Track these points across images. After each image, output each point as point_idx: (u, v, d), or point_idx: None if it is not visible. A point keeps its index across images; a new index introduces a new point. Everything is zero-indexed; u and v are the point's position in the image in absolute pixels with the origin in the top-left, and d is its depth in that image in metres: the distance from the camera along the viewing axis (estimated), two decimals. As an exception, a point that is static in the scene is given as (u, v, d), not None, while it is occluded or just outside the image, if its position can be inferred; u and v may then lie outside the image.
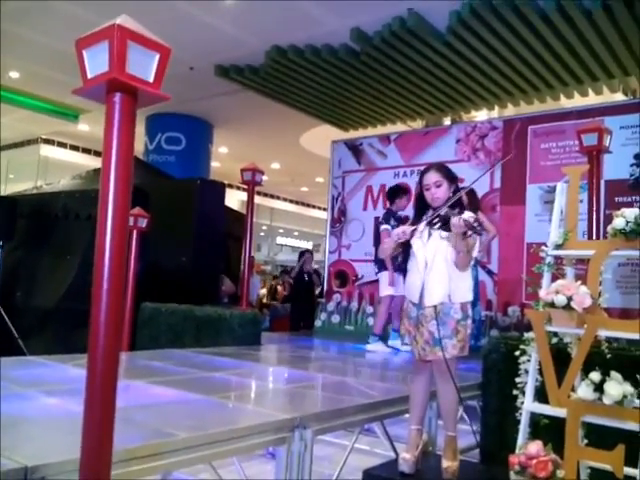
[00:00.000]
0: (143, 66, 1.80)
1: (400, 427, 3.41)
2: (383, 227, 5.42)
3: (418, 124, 8.92)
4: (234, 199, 13.12)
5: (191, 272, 6.71)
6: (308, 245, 20.30)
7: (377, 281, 5.87)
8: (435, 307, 2.64)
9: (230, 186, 12.77)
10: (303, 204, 17.71)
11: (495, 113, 8.37)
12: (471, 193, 2.83)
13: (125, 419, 2.39)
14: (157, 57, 1.84)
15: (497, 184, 6.30)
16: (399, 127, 8.64)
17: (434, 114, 8.41)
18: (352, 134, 8.83)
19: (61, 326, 6.44)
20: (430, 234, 2.70)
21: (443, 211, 2.64)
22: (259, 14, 6.29)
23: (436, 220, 2.64)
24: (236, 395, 3.19)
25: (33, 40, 7.10)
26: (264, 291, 11.28)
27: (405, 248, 2.79)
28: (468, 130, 6.68)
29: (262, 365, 4.41)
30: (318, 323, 7.10)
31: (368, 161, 7.39)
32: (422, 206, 2.85)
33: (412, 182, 6.79)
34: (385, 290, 5.58)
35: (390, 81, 7.33)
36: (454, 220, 2.47)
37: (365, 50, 6.62)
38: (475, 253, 2.71)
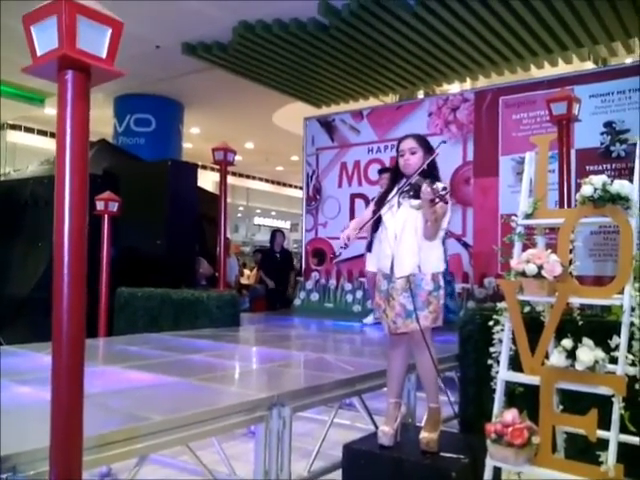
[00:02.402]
0: (95, 42, 1.73)
1: (380, 401, 3.44)
2: None
3: (392, 99, 8.87)
4: (208, 180, 12.99)
5: (166, 255, 6.63)
6: (286, 225, 20.25)
7: (355, 258, 5.88)
8: (407, 278, 2.63)
9: (204, 167, 12.64)
10: (279, 183, 17.60)
11: (467, 85, 8.35)
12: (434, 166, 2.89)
13: (100, 405, 2.36)
14: (109, 32, 1.77)
15: (470, 157, 6.31)
16: (372, 102, 8.58)
17: (407, 88, 8.35)
18: (324, 110, 8.74)
19: (35, 315, 6.34)
20: (400, 204, 2.68)
21: (414, 179, 2.62)
22: (225, -12, 6.15)
23: (407, 188, 2.62)
24: (214, 376, 3.17)
25: (-8, 21, 6.86)
26: (248, 272, 11.20)
27: (375, 222, 2.76)
28: (440, 103, 6.66)
29: (241, 346, 4.40)
30: (297, 302, 7.09)
31: (341, 137, 7.34)
32: (395, 176, 2.84)
33: (386, 157, 6.79)
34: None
35: (361, 55, 7.24)
36: (424, 187, 2.45)
37: (334, 24, 6.51)
38: (445, 224, 2.70)
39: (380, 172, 5.69)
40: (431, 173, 2.70)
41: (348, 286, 6.79)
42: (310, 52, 7.24)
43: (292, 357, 3.88)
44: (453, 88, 8.59)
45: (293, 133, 10.74)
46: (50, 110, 10.19)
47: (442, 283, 2.70)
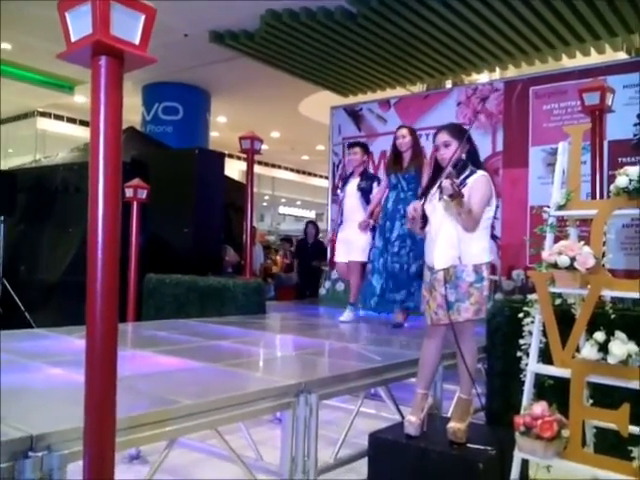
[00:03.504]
0: (128, 28, 1.74)
1: (405, 391, 3.44)
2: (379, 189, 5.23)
3: (419, 88, 8.78)
4: (234, 169, 13.04)
5: (193, 242, 6.69)
6: (311, 214, 20.25)
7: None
8: (446, 270, 2.62)
9: (230, 156, 12.66)
10: (305, 173, 17.57)
11: (496, 75, 8.23)
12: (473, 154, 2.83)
13: (130, 387, 2.40)
14: (143, 18, 1.77)
15: (499, 147, 6.22)
16: (399, 91, 8.51)
17: (435, 77, 8.27)
18: (351, 99, 8.70)
19: (65, 298, 6.46)
20: (440, 197, 2.66)
21: (446, 173, 2.60)
22: (253, -23, 6.14)
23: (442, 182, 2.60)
24: (241, 362, 3.20)
25: (24, 10, 6.95)
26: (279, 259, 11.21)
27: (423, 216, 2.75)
28: (469, 93, 6.57)
29: (267, 333, 4.42)
30: (322, 291, 7.09)
31: (368, 127, 7.28)
32: (436, 168, 2.82)
33: (413, 147, 6.72)
34: (362, 255, 5.16)
35: (389, 44, 7.19)
36: (443, 182, 2.45)
37: (362, 12, 6.47)
38: (490, 213, 2.69)
39: (349, 146, 5.56)
40: (471, 162, 2.68)
41: (374, 276, 6.76)
42: (337, 41, 7.21)
43: (318, 345, 3.89)
44: (482, 78, 8.47)
45: (319, 122, 10.71)
46: (79, 98, 10.34)
47: (486, 274, 2.67)
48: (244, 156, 6.15)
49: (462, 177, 2.62)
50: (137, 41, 1.74)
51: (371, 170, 6.31)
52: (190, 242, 6.67)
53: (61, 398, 2.36)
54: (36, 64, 8.98)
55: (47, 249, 6.99)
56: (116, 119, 1.76)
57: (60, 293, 6.70)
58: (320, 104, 9.59)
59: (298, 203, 21.69)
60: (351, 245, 5.19)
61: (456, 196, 2.43)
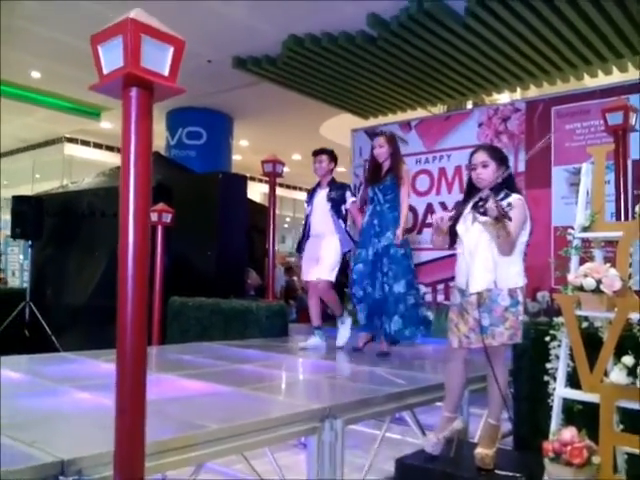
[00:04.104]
0: (158, 59, 1.80)
1: (430, 415, 3.41)
2: (352, 199, 4.83)
3: (439, 109, 8.81)
4: (257, 192, 13.16)
5: (217, 265, 6.75)
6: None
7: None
8: (480, 294, 2.60)
9: (252, 179, 12.80)
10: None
11: (517, 95, 8.23)
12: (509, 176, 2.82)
13: (157, 412, 2.42)
14: (171, 50, 1.83)
15: (521, 167, 6.19)
16: (420, 113, 8.55)
17: (455, 98, 8.30)
18: (372, 121, 8.76)
19: (91, 322, 6.55)
20: (474, 218, 2.63)
21: (485, 194, 2.58)
22: (275, 3, 6.25)
23: (481, 203, 2.59)
24: (265, 386, 3.21)
25: (53, 38, 7.16)
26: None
27: (451, 234, 2.75)
28: (490, 113, 6.57)
29: (290, 356, 4.42)
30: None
31: (389, 149, 7.32)
32: (469, 188, 2.80)
33: (434, 168, 6.74)
34: (330, 274, 4.71)
35: (409, 66, 7.25)
36: (489, 204, 2.43)
37: (382, 35, 6.54)
38: (524, 238, 2.67)
39: (314, 154, 5.09)
40: (506, 186, 2.67)
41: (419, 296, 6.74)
42: (358, 64, 7.29)
43: (341, 369, 3.88)
44: (503, 98, 8.47)
45: (340, 144, 10.75)
46: (106, 124, 10.57)
47: (521, 299, 2.64)
48: (266, 179, 6.22)
49: (498, 199, 2.60)
50: (166, 72, 1.79)
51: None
52: (213, 265, 6.73)
53: (90, 422, 2.39)
54: (64, 91, 9.21)
55: (73, 273, 7.11)
56: (146, 148, 1.81)
57: (86, 317, 6.79)
58: (341, 126, 9.66)
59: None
60: (321, 262, 4.70)
61: (501, 218, 2.42)
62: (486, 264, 2.59)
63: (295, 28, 6.75)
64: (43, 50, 7.55)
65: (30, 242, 7.67)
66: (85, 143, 11.70)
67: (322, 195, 4.83)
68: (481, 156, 2.72)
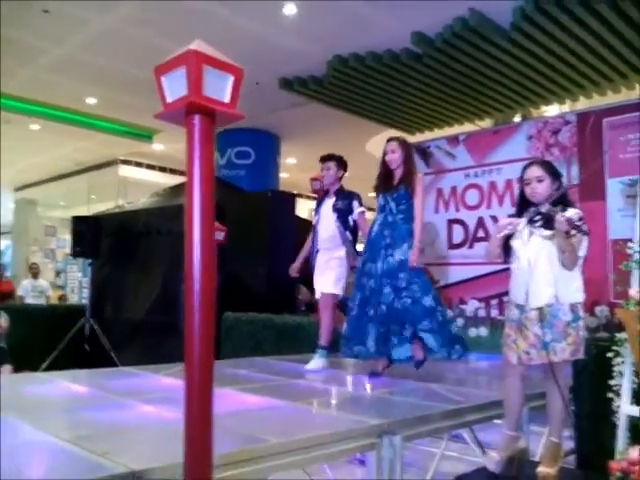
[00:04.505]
0: (219, 88, 1.89)
1: (488, 433, 3.36)
2: (360, 209, 4.60)
3: (487, 123, 8.75)
4: (304, 208, 13.28)
5: (268, 281, 6.85)
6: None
7: (454, 284, 5.73)
8: (541, 309, 2.57)
9: (300, 195, 12.95)
10: (373, 210, 17.66)
11: (567, 107, 8.09)
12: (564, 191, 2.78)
13: (217, 425, 2.48)
14: (231, 79, 1.92)
15: (575, 180, 6.08)
16: (467, 127, 8.51)
17: (503, 112, 8.23)
18: (418, 137, 8.77)
19: (147, 337, 6.74)
20: (531, 232, 2.62)
21: (544, 208, 2.57)
22: (319, 24, 6.39)
23: (537, 218, 2.57)
24: (321, 401, 3.24)
25: (108, 67, 7.48)
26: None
27: (505, 249, 2.72)
28: (540, 126, 6.49)
29: (342, 371, 4.44)
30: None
31: (437, 163, 7.30)
32: (522, 203, 2.77)
33: (484, 182, 6.68)
34: (334, 287, 4.43)
35: (455, 82, 7.25)
36: (558, 217, 2.41)
37: (427, 52, 6.58)
38: (583, 252, 2.63)
39: (321, 160, 4.85)
40: (561, 200, 2.65)
41: (449, 314, 6.67)
42: (403, 81, 7.34)
43: (396, 385, 3.87)
44: (551, 110, 8.35)
45: (386, 160, 10.82)
46: (157, 145, 10.91)
47: (582, 314, 2.61)
48: (314, 195, 6.29)
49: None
50: (227, 99, 1.87)
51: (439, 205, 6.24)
52: (264, 281, 6.83)
53: (156, 435, 2.47)
54: (118, 116, 9.58)
55: (130, 289, 7.33)
56: (209, 172, 1.89)
57: (142, 332, 6.99)
58: (387, 142, 9.71)
59: (366, 240, 21.73)
60: (325, 275, 4.46)
61: (571, 232, 2.41)
62: (547, 279, 2.57)
63: (340, 48, 6.85)
64: (99, 78, 7.89)
65: (89, 260, 7.96)
66: (138, 164, 12.10)
67: (328, 205, 4.59)
68: (536, 171, 2.71)
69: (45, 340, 7.28)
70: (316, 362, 4.31)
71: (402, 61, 6.77)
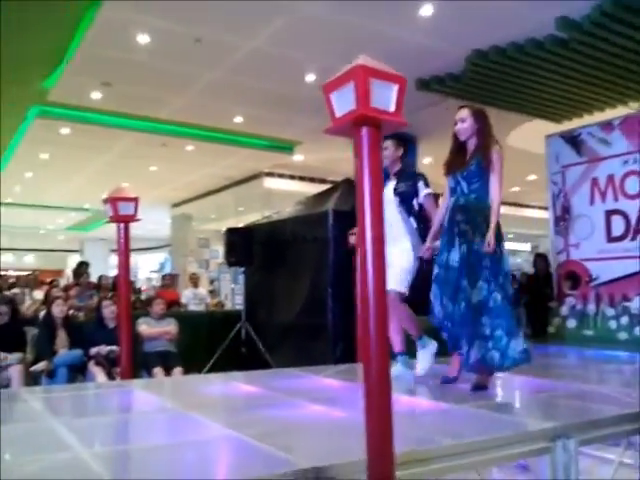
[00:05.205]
0: (385, 98, 1.97)
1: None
2: (427, 191, 4.02)
3: (642, 104, 8.06)
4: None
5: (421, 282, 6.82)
6: (526, 247, 19.23)
7: (618, 280, 5.35)
8: None
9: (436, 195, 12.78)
10: (516, 205, 16.90)
11: None
12: None
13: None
14: (396, 88, 1.99)
15: None
16: (619, 111, 7.88)
17: (662, 90, 7.53)
18: (566, 125, 8.29)
19: (298, 339, 7.01)
20: None
21: None
22: (457, 22, 6.27)
23: None
24: (489, 404, 3.18)
25: (253, 86, 7.93)
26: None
27: None
28: None
29: (505, 373, 4.32)
30: (551, 329, 6.72)
31: (590, 152, 6.85)
32: None
33: (647, 168, 6.19)
34: (400, 284, 3.83)
35: (605, 63, 6.76)
36: None
37: (574, 37, 6.21)
38: None
39: (386, 138, 4.03)
40: None
41: (610, 311, 6.23)
42: (548, 69, 6.99)
43: (561, 387, 3.70)
44: None
45: (530, 152, 10.32)
46: (298, 156, 11.35)
47: None
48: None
49: None
50: (392, 109, 1.95)
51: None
52: (419, 281, 6.81)
53: (328, 432, 2.59)
54: (261, 131, 10.12)
55: (281, 294, 7.68)
56: (377, 179, 1.98)
57: (293, 334, 7.28)
58: (530, 134, 9.28)
59: (510, 236, 20.86)
60: (390, 271, 4.07)
61: None
62: None
63: (479, 43, 6.69)
64: (245, 97, 8.38)
65: (242, 268, 8.47)
66: (280, 176, 12.66)
67: (390, 189, 3.95)
68: None
69: (206, 344, 7.83)
70: (397, 368, 3.73)
71: (546, 48, 6.47)
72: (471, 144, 3.57)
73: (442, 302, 3.46)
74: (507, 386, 3.92)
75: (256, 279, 8.24)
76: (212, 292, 12.78)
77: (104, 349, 5.53)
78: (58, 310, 5.90)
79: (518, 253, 21.13)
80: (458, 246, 3.45)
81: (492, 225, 3.42)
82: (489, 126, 3.60)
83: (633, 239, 6.12)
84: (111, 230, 4.77)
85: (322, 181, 12.31)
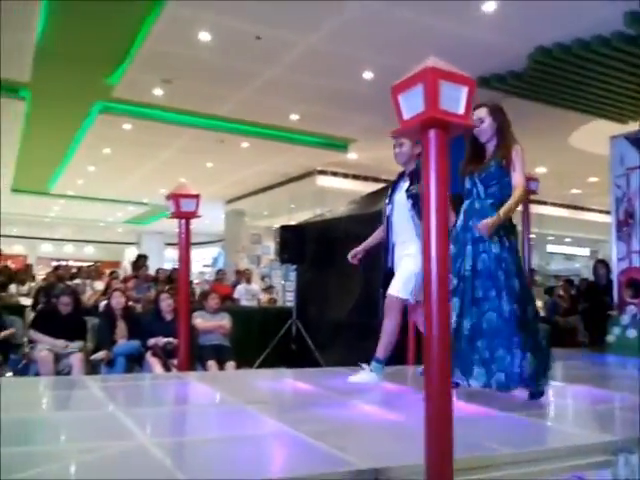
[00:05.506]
0: (453, 100, 1.94)
1: None
2: None
3: None
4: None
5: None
6: (584, 252, 18.65)
7: None
8: None
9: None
10: (575, 207, 16.36)
11: None
12: None
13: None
14: (465, 90, 1.97)
15: None
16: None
17: None
18: (632, 126, 7.98)
19: (348, 338, 7.01)
20: None
21: None
22: (520, 18, 6.13)
23: None
24: (543, 413, 3.12)
25: (310, 83, 7.97)
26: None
27: None
28: None
29: (556, 383, 4.21)
30: (611, 338, 6.49)
31: (658, 154, 6.59)
32: None
33: None
34: (401, 289, 3.68)
35: (676, 62, 6.48)
36: None
37: (643, 33, 5.98)
38: None
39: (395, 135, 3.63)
40: None
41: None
42: (614, 67, 6.74)
43: (620, 399, 3.58)
44: None
45: (592, 153, 10.00)
46: (352, 155, 11.33)
47: None
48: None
49: None
50: (461, 111, 1.93)
51: None
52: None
53: (381, 435, 2.59)
54: (316, 129, 10.15)
55: (332, 292, 7.70)
56: (444, 180, 1.96)
57: (344, 333, 7.29)
58: (593, 134, 8.98)
59: (567, 240, 20.24)
60: (396, 274, 3.74)
61: None
62: None
63: (542, 39, 6.52)
64: (301, 95, 8.43)
65: (295, 266, 8.54)
66: (334, 174, 12.66)
67: (403, 189, 3.77)
68: None
69: (257, 339, 7.94)
70: (363, 376, 3.68)
71: (613, 45, 6.24)
72: (490, 146, 3.38)
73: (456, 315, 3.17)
74: (563, 395, 3.82)
75: (308, 277, 8.29)
76: (268, 289, 12.88)
77: (161, 341, 5.67)
78: (117, 301, 6.11)
79: (576, 258, 20.50)
80: (472, 254, 3.24)
81: (500, 212, 3.18)
82: (508, 122, 3.40)
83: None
84: (167, 224, 4.89)
85: (375, 180, 12.25)
